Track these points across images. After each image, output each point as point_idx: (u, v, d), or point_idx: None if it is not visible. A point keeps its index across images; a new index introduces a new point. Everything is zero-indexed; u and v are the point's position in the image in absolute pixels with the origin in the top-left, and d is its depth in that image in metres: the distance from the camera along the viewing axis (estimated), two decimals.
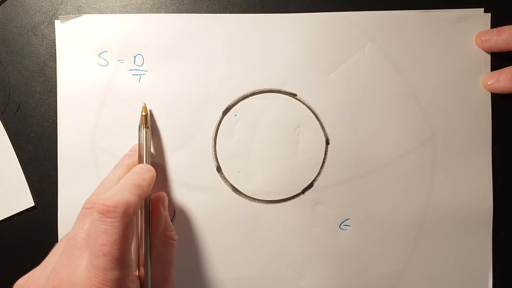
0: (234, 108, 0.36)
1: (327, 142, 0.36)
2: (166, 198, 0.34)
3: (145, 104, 0.36)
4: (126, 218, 0.27)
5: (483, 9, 0.36)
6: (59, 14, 0.37)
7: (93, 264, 0.26)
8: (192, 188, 0.36)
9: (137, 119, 0.36)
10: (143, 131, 0.34)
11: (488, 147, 0.36)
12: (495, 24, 0.36)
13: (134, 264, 0.29)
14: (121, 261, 0.27)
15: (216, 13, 0.37)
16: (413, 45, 0.36)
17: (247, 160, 0.36)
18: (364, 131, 0.36)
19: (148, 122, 0.35)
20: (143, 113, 0.35)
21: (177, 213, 0.36)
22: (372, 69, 0.36)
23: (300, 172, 0.36)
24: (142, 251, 0.31)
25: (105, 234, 0.27)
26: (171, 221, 0.36)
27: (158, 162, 0.36)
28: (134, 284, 0.28)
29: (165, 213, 0.33)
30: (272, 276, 0.37)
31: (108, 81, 0.37)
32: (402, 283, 0.37)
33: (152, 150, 0.36)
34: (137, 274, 0.31)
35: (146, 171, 0.32)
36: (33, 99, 0.37)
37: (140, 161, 0.33)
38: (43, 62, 0.37)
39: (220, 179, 0.36)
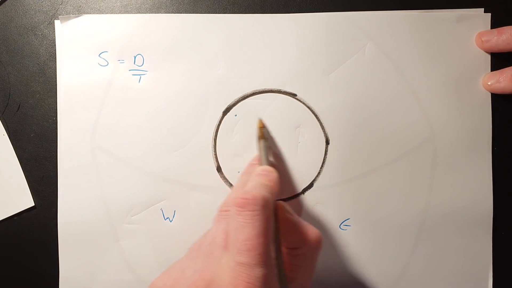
0: (234, 108, 0.36)
1: (327, 142, 0.36)
2: (286, 205, 0.32)
3: (260, 119, 0.36)
4: (267, 212, 0.26)
5: (483, 9, 0.36)
6: (59, 14, 0.37)
7: (236, 261, 0.24)
8: (192, 188, 0.36)
9: (137, 119, 0.36)
10: (261, 142, 0.34)
11: (488, 147, 0.36)
12: (495, 24, 0.36)
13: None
14: (265, 257, 0.25)
15: (216, 13, 0.37)
16: (413, 45, 0.36)
17: (247, 160, 0.36)
18: (364, 131, 0.36)
19: (265, 134, 0.35)
20: (260, 127, 0.35)
21: (177, 213, 0.36)
22: (372, 69, 0.36)
23: (300, 172, 0.36)
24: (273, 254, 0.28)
25: (246, 228, 0.25)
26: (171, 220, 0.36)
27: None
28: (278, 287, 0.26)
29: (295, 217, 0.31)
30: None
31: (108, 81, 0.37)
32: (402, 283, 0.37)
33: (271, 159, 0.35)
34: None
35: (269, 172, 0.31)
36: (33, 99, 0.37)
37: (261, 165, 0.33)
38: (43, 62, 0.37)
39: (220, 179, 0.36)
